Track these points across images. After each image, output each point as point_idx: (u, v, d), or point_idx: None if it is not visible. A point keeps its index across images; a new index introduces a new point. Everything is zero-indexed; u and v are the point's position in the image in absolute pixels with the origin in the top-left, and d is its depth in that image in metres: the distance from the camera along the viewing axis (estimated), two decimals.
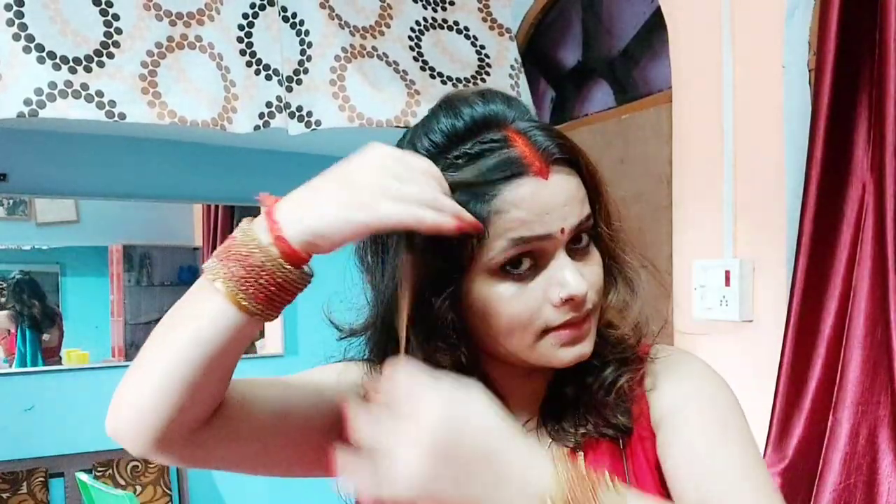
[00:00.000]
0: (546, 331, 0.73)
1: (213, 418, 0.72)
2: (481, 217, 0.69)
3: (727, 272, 1.90)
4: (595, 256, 0.76)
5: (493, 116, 0.72)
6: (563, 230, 0.71)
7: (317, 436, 0.79)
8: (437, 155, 0.72)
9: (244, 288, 0.64)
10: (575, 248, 0.73)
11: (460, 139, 0.71)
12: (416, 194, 0.63)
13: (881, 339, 1.57)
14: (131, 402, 0.69)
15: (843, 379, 1.61)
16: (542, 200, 0.70)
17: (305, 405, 0.79)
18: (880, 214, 1.56)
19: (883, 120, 1.55)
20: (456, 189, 0.69)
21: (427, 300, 0.72)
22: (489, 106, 0.73)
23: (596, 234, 0.76)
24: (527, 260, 0.71)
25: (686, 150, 2.08)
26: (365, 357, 0.81)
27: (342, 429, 0.78)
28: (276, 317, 0.68)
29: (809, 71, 1.80)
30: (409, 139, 0.75)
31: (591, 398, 0.79)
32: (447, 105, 0.74)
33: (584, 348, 0.75)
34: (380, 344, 0.76)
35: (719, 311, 1.91)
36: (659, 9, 2.19)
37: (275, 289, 0.65)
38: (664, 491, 0.78)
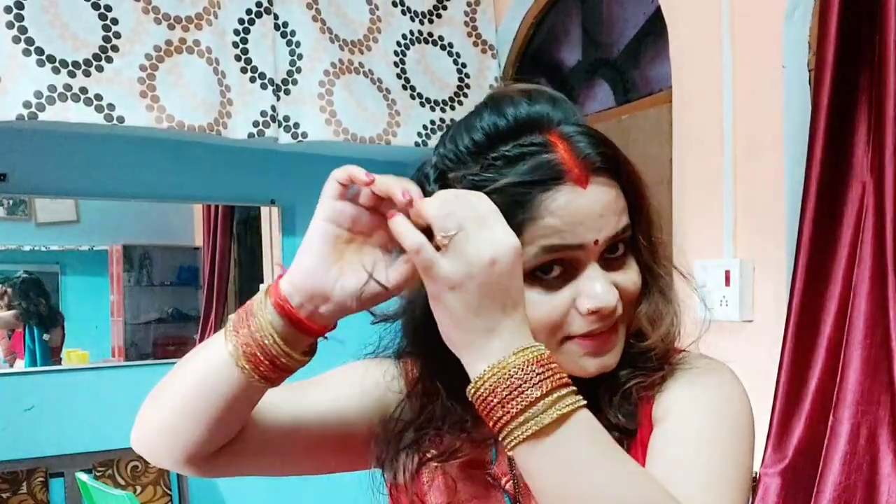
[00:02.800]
0: (570, 337, 0.71)
1: (233, 440, 0.75)
2: (516, 222, 0.67)
3: (727, 272, 1.90)
4: (632, 265, 0.74)
5: (536, 117, 0.70)
6: (596, 241, 0.69)
7: (336, 437, 0.79)
8: (477, 155, 0.70)
9: (248, 358, 0.67)
10: (610, 258, 0.72)
11: (501, 139, 0.70)
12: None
13: (881, 339, 1.57)
14: (153, 422, 0.73)
15: (843, 379, 1.61)
16: (578, 210, 0.68)
17: (321, 412, 0.79)
18: (880, 214, 1.56)
19: (883, 120, 1.55)
20: (492, 192, 0.67)
21: None
22: (534, 107, 0.71)
23: (634, 243, 0.75)
24: (557, 267, 0.70)
25: (686, 150, 2.07)
26: (395, 350, 0.80)
27: (365, 423, 0.79)
28: (276, 385, 0.70)
29: (809, 71, 1.80)
30: (451, 136, 0.73)
31: (596, 397, 0.77)
32: (492, 102, 0.72)
33: (609, 360, 0.73)
34: (412, 328, 0.75)
35: (719, 311, 1.91)
36: (659, 9, 2.19)
37: (269, 363, 0.67)
38: None
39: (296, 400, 0.79)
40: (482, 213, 0.62)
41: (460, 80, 2.47)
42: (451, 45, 2.46)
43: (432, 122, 2.39)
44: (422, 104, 2.36)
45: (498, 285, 0.61)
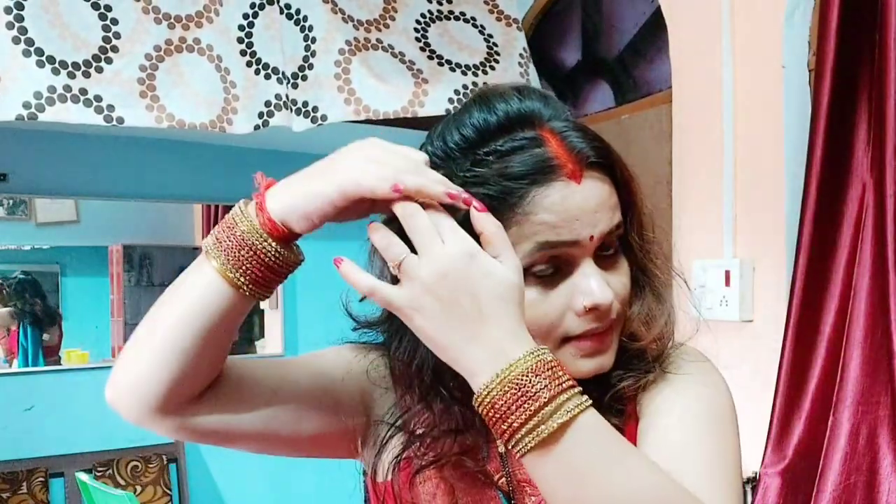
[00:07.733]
0: (567, 339, 0.71)
1: (208, 393, 0.72)
2: (508, 218, 0.66)
3: (727, 272, 1.90)
4: (623, 266, 0.73)
5: (528, 113, 0.69)
6: (591, 237, 0.68)
7: (316, 417, 0.77)
8: (467, 150, 0.69)
9: (235, 264, 0.65)
10: (603, 256, 0.71)
11: (492, 135, 0.69)
12: (395, 163, 0.63)
13: (881, 339, 1.57)
14: (130, 369, 0.70)
15: (843, 379, 1.60)
16: (573, 205, 0.67)
17: (302, 382, 0.78)
18: (880, 214, 1.56)
19: (883, 120, 1.55)
20: (483, 187, 0.67)
21: None
22: (525, 103, 0.70)
23: (626, 243, 0.74)
24: (552, 265, 0.69)
25: (686, 150, 2.07)
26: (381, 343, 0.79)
27: (346, 409, 0.78)
28: (268, 296, 0.69)
29: (809, 71, 1.80)
30: (440, 132, 0.72)
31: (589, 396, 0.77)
32: (482, 99, 0.71)
33: (605, 360, 0.72)
34: (396, 336, 0.74)
35: (719, 311, 1.91)
36: (659, 9, 2.19)
37: (261, 266, 0.66)
38: None
39: (280, 370, 0.78)
40: (423, 229, 0.62)
41: (489, 48, 2.36)
42: (473, 18, 2.38)
43: (465, 87, 2.18)
44: (452, 69, 2.24)
45: (460, 294, 0.61)
